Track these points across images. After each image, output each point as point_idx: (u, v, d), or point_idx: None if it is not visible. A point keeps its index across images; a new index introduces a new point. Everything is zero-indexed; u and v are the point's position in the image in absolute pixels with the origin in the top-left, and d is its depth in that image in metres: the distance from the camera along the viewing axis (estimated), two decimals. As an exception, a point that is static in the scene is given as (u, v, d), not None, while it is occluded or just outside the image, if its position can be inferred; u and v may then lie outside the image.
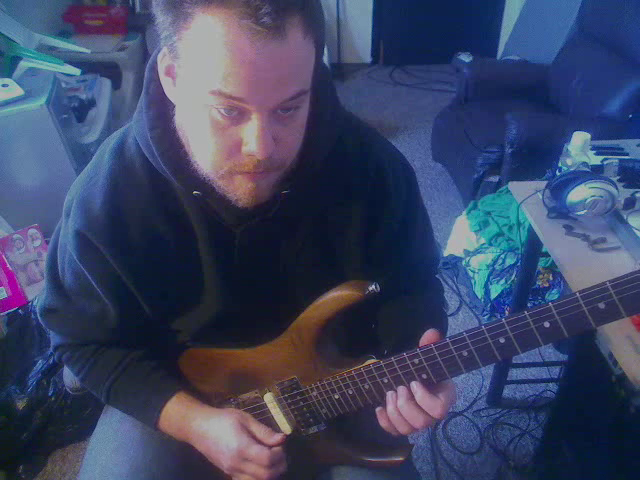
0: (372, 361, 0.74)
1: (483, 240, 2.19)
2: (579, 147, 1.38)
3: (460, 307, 2.24)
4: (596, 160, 1.41)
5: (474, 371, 1.86)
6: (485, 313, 2.16)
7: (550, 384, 1.87)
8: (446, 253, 2.38)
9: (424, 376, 0.70)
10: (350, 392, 0.76)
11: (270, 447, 0.78)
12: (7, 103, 2.00)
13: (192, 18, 0.55)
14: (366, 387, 0.75)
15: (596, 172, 1.30)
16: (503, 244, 2.13)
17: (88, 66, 2.76)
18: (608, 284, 0.56)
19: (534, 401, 1.83)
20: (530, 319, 0.61)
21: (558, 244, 1.24)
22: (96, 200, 0.74)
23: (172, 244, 0.75)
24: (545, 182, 1.34)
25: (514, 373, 1.89)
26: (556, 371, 1.91)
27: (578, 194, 1.21)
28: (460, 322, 2.18)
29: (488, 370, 1.88)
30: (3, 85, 2.03)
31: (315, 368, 0.78)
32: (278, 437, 0.79)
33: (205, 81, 0.57)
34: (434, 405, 0.70)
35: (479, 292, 2.18)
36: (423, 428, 0.72)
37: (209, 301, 0.80)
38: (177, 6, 0.55)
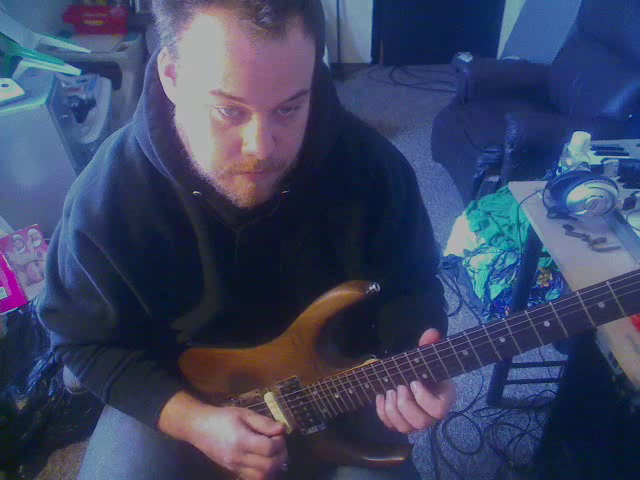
0: (372, 361, 0.74)
1: (483, 240, 2.19)
2: (579, 147, 1.38)
3: (460, 307, 2.24)
4: (596, 160, 1.41)
5: (474, 371, 1.86)
6: (485, 313, 2.17)
7: (550, 384, 1.87)
8: (446, 253, 2.38)
9: (424, 376, 0.70)
10: (350, 392, 0.76)
11: (270, 437, 0.77)
12: (7, 103, 1.99)
13: (192, 18, 0.55)
14: (366, 386, 0.75)
15: (596, 172, 1.30)
16: (503, 244, 2.13)
17: (88, 66, 2.76)
18: (608, 283, 0.56)
19: (534, 401, 1.83)
20: (530, 318, 0.61)
21: (558, 244, 1.24)
22: (96, 200, 0.74)
23: (172, 244, 0.75)
24: (545, 182, 1.34)
25: (514, 373, 1.89)
26: (556, 371, 1.91)
27: (578, 194, 1.21)
28: (460, 322, 2.18)
29: (488, 370, 1.88)
30: (3, 85, 2.03)
31: (315, 368, 0.78)
32: (277, 426, 0.78)
33: (205, 81, 0.57)
34: (434, 405, 0.70)
35: (479, 292, 2.18)
36: (423, 428, 0.72)
37: (209, 301, 0.80)
38: (177, 6, 0.55)
